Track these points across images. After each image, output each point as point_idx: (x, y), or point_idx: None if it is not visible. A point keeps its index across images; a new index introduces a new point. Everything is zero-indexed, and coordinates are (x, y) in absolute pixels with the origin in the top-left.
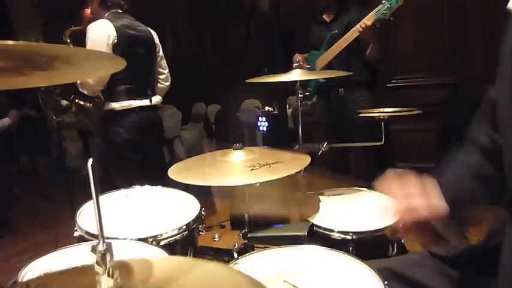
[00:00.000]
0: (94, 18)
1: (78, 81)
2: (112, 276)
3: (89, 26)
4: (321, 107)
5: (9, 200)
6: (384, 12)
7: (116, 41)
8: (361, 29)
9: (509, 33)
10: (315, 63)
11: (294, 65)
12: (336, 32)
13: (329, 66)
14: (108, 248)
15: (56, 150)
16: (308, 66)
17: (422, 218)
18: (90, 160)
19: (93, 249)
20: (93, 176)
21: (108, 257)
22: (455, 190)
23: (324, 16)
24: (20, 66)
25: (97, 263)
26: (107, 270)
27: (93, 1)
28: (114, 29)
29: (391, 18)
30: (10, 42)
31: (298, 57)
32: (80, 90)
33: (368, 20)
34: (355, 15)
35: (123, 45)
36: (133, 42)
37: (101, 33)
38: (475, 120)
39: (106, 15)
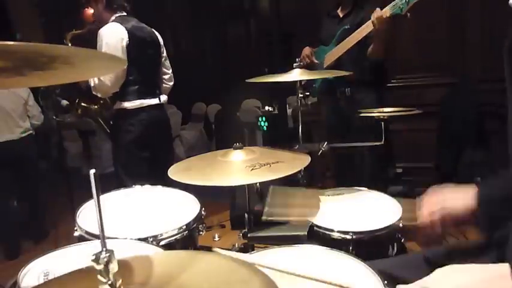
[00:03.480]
0: (98, 20)
1: (92, 84)
2: (115, 286)
3: (100, 31)
4: (327, 106)
5: None
6: (401, 6)
7: (128, 42)
8: (375, 18)
9: (509, 30)
10: (323, 58)
11: (295, 65)
12: (348, 27)
13: (338, 63)
14: (111, 257)
15: (55, 150)
16: (316, 62)
17: (449, 209)
18: (92, 171)
19: (96, 258)
20: (95, 184)
21: (111, 266)
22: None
23: (338, 11)
24: (19, 67)
25: (100, 273)
26: (110, 282)
27: (98, 3)
28: (126, 32)
29: (408, 14)
30: (10, 42)
31: (306, 50)
32: (94, 93)
33: (384, 12)
34: (370, 12)
35: (134, 47)
36: (143, 44)
37: (115, 36)
38: None
39: (113, 18)
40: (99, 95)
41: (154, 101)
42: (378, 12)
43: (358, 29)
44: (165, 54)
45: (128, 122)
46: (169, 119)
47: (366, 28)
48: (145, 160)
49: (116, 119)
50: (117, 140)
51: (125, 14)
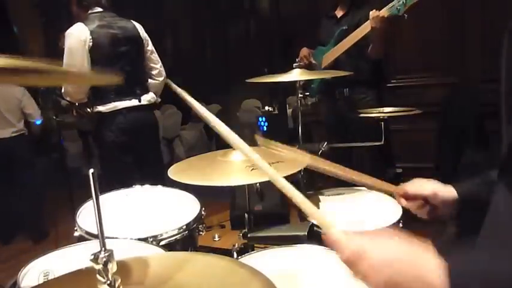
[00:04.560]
0: (76, 20)
1: (63, 90)
2: (114, 286)
3: (66, 32)
4: (326, 106)
5: None
6: (399, 8)
7: (91, 44)
8: (373, 18)
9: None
10: (321, 59)
11: (294, 65)
12: (345, 28)
13: (336, 64)
14: (110, 257)
15: (56, 150)
16: (314, 62)
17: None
18: (91, 170)
19: (95, 258)
20: (94, 184)
21: (110, 266)
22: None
23: (336, 11)
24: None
25: (99, 273)
26: (109, 281)
27: (72, 4)
28: (88, 32)
29: (405, 15)
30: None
31: (304, 51)
32: (64, 97)
33: (381, 13)
34: (368, 12)
35: (102, 46)
36: (114, 41)
37: (76, 39)
38: None
39: (87, 15)
40: (68, 100)
41: (133, 103)
42: (375, 13)
43: (357, 30)
44: (150, 47)
45: (106, 126)
46: (156, 120)
47: (364, 29)
48: (129, 165)
49: (95, 123)
50: (98, 143)
51: (101, 9)
